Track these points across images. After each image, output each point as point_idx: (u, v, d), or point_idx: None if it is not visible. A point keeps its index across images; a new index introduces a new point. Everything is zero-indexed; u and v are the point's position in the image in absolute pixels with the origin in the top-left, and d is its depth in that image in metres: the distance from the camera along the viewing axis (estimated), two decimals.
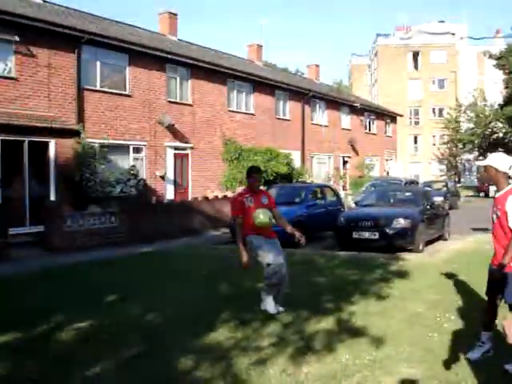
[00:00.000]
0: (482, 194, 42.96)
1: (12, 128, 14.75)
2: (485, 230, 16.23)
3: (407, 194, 16.44)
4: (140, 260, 12.22)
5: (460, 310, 6.86)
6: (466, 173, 64.47)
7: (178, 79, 21.76)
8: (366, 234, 13.06)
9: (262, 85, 26.29)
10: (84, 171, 16.34)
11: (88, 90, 17.81)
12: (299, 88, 29.48)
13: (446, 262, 10.73)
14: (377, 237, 12.91)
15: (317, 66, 39.94)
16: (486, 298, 5.28)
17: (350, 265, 10.55)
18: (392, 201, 15.48)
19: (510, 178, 4.94)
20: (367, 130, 37.74)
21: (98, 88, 18.23)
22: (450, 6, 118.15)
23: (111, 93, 18.69)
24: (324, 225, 15.70)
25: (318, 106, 31.79)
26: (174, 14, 26.57)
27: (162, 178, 20.54)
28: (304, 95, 29.67)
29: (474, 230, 16.88)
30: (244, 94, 25.62)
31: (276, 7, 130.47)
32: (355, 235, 13.17)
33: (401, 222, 12.87)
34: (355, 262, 10.95)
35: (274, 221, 6.99)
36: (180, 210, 18.15)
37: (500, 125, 47.95)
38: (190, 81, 22.20)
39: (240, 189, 16.44)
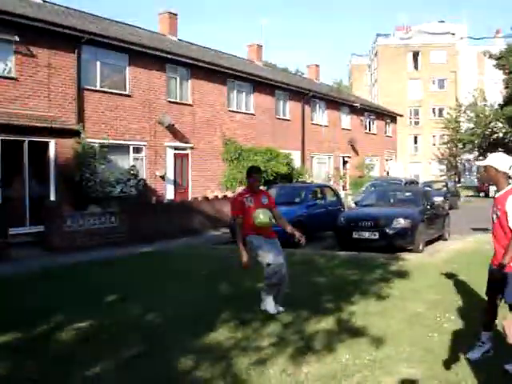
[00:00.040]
0: (482, 194, 42.96)
1: (12, 128, 14.74)
2: (485, 230, 16.23)
3: (407, 194, 16.44)
4: (140, 260, 12.22)
5: (460, 310, 6.86)
6: (466, 173, 64.48)
7: (178, 79, 21.75)
8: (366, 234, 13.06)
9: (261, 85, 26.29)
10: (84, 171, 16.34)
11: (88, 89, 17.81)
12: (299, 88, 29.48)
13: (446, 262, 10.73)
14: (377, 237, 12.91)
15: (317, 66, 39.95)
16: (486, 298, 5.28)
17: (350, 265, 10.55)
18: (392, 201, 15.49)
19: (510, 177, 4.94)
20: (367, 130, 37.75)
21: (98, 88, 18.23)
22: (450, 6, 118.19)
23: (111, 93, 18.69)
24: (324, 225, 15.70)
25: (318, 105, 31.79)
26: (173, 13, 26.57)
27: (162, 178, 20.55)
28: (304, 95, 29.67)
29: (474, 230, 16.88)
30: (244, 93, 25.62)
31: (276, 7, 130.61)
32: (355, 235, 13.17)
33: (401, 222, 12.87)
34: (355, 261, 10.96)
35: (274, 221, 6.99)
36: (180, 210, 18.15)
37: (500, 125, 47.96)
38: (190, 81, 22.20)
39: (240, 189, 16.44)
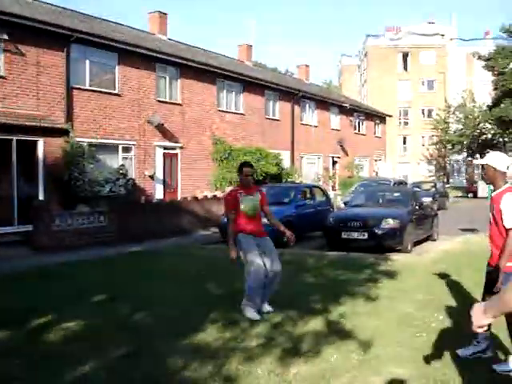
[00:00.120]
0: (470, 195, 43.20)
1: (0, 126, 14.64)
2: (473, 230, 16.39)
3: (396, 194, 16.50)
4: (129, 260, 12.16)
5: (448, 310, 6.89)
6: (455, 173, 64.85)
7: (168, 78, 21.70)
8: (355, 235, 13.09)
9: (251, 85, 26.29)
10: (73, 170, 16.25)
11: (77, 88, 17.72)
12: (289, 88, 29.52)
13: (434, 263, 10.79)
14: (366, 237, 12.94)
15: (307, 66, 40.01)
16: (480, 299, 5.23)
17: (338, 265, 10.57)
18: (381, 201, 15.55)
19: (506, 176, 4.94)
20: (356, 131, 37.88)
21: (87, 87, 18.15)
22: (439, 8, 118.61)
23: (100, 92, 18.60)
24: (313, 225, 15.71)
25: (307, 106, 31.85)
26: (163, 13, 26.53)
27: (151, 177, 20.49)
28: (294, 95, 29.71)
29: (463, 230, 16.98)
30: (234, 93, 25.60)
31: (265, 7, 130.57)
32: (344, 235, 13.20)
33: (389, 223, 12.92)
34: (344, 262, 10.98)
35: (258, 210, 7.02)
36: (169, 210, 18.10)
37: (489, 126, 48.33)
38: (179, 80, 22.15)
39: (229, 188, 16.45)
